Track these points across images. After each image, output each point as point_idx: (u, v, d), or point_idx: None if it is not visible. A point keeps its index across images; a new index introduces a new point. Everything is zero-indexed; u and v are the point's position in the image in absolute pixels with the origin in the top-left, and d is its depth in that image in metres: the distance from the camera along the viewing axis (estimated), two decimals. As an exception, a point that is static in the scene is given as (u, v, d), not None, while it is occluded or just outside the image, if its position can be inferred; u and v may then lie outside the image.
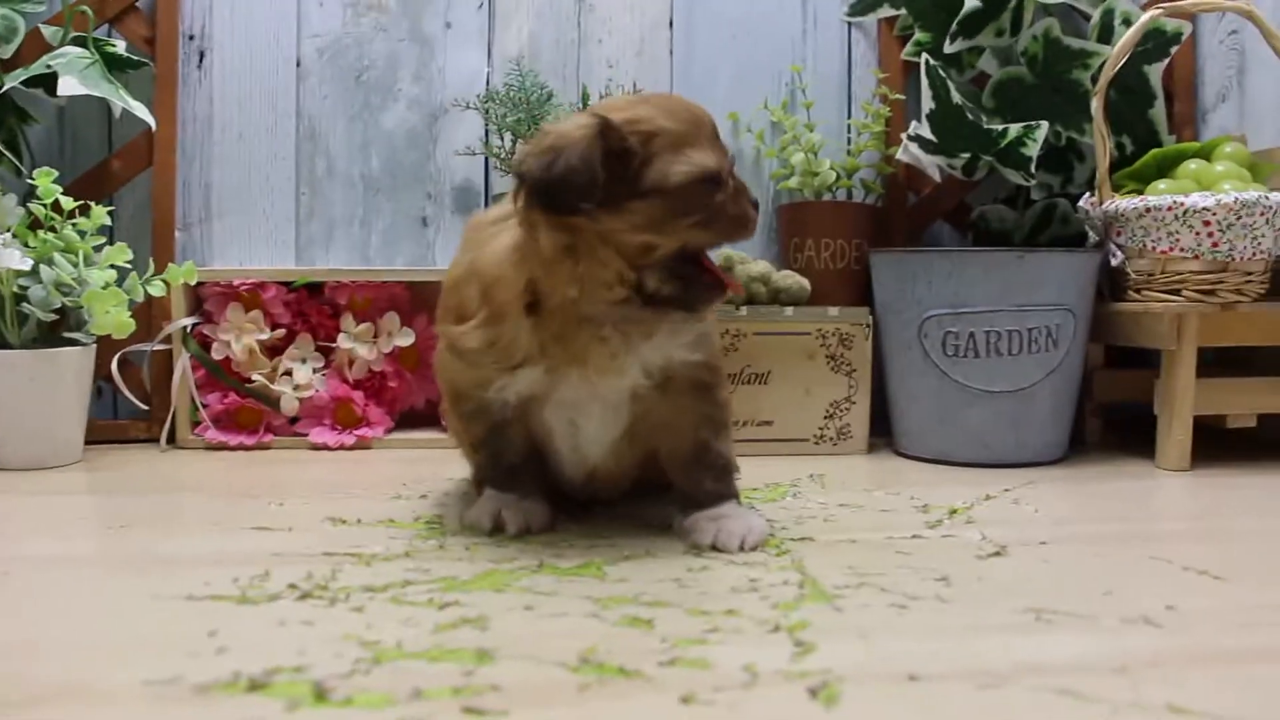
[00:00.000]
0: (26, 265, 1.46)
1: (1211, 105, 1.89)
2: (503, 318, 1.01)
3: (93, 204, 1.56)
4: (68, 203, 1.54)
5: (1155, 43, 1.74)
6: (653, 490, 1.17)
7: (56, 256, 1.50)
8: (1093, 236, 1.65)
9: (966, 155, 1.69)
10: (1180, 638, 0.80)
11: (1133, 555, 1.05)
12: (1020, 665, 0.73)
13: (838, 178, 1.79)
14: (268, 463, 1.58)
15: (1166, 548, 1.08)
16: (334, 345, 1.73)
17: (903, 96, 1.86)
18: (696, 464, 1.09)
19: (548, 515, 1.12)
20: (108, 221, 1.57)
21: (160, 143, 1.75)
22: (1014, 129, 1.62)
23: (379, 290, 1.76)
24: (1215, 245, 1.47)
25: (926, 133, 1.69)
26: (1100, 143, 1.59)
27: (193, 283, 1.63)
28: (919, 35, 1.83)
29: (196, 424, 1.70)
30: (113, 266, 1.54)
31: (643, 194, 0.96)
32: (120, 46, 1.69)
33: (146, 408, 1.72)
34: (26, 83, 1.62)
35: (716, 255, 1.59)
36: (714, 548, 1.04)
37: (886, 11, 1.87)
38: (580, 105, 1.67)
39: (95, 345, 1.57)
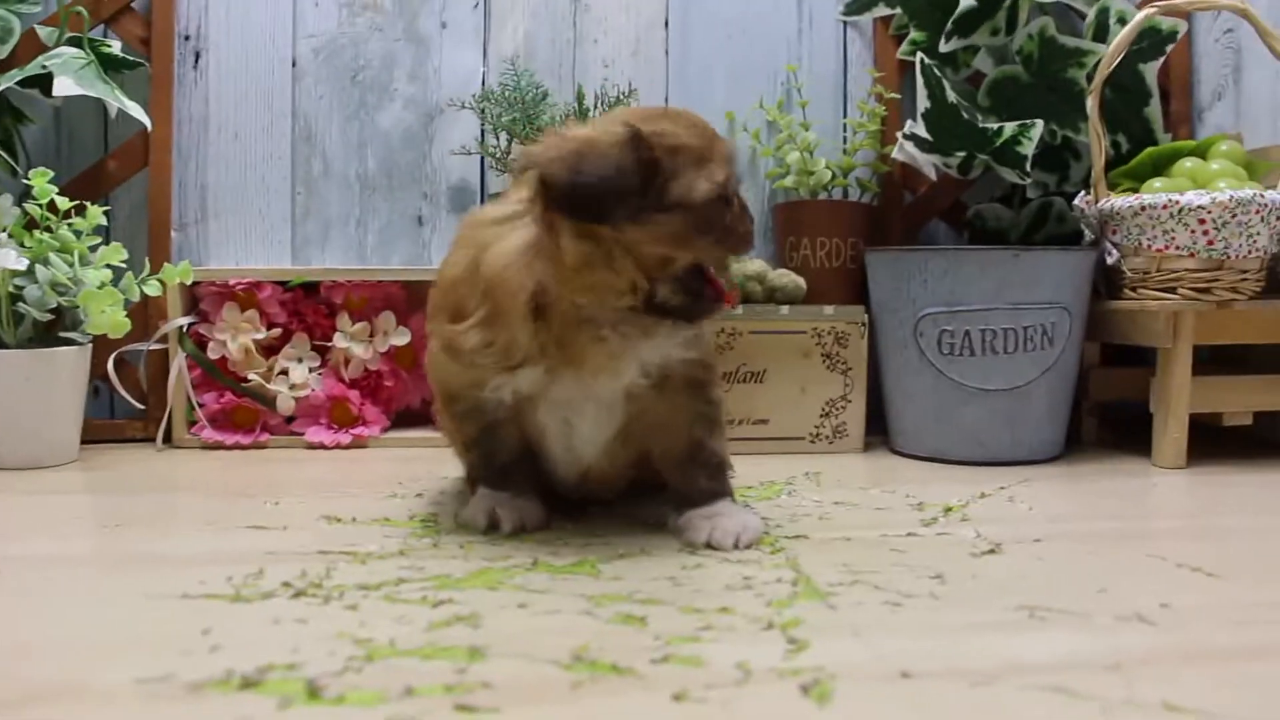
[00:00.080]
0: (22, 265, 1.46)
1: (1207, 103, 1.89)
2: (504, 319, 1.00)
3: (88, 204, 1.56)
4: (63, 203, 1.54)
5: (1150, 41, 1.74)
6: (646, 490, 1.17)
7: (52, 256, 1.50)
8: (1088, 235, 1.65)
9: (962, 154, 1.69)
10: (1174, 635, 0.80)
11: (1128, 553, 1.05)
12: (1013, 663, 0.73)
13: (833, 177, 1.79)
14: (264, 462, 1.58)
15: (1161, 545, 1.08)
16: (330, 344, 1.74)
17: (898, 95, 1.86)
18: (691, 462, 1.09)
19: (542, 513, 1.12)
20: (104, 221, 1.57)
21: (156, 143, 1.75)
22: (1009, 127, 1.62)
23: (375, 289, 1.76)
24: (1211, 243, 1.47)
25: (922, 131, 1.69)
26: (1096, 141, 1.59)
27: (188, 282, 1.63)
28: (914, 34, 1.83)
29: (192, 423, 1.70)
30: (108, 266, 1.54)
31: (666, 207, 0.96)
32: (116, 47, 1.69)
33: (143, 407, 1.72)
34: (22, 83, 1.62)
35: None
36: (709, 545, 1.04)
37: (882, 11, 1.87)
38: (575, 105, 1.67)
39: (91, 345, 1.57)
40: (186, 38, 1.80)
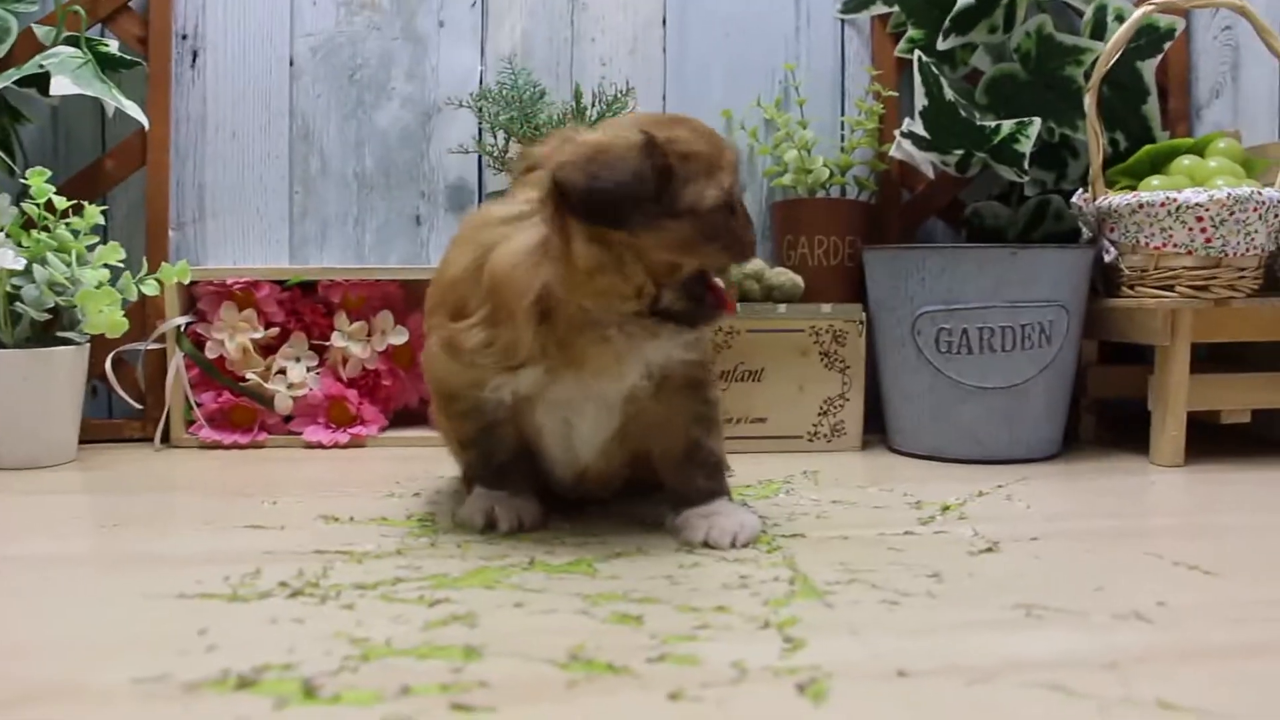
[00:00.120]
0: (20, 265, 1.46)
1: (1205, 101, 1.89)
2: (507, 319, 1.00)
3: (86, 203, 1.56)
4: (61, 202, 1.54)
5: (1148, 39, 1.74)
6: (642, 489, 1.17)
7: (50, 256, 1.50)
8: (1086, 233, 1.65)
9: (960, 152, 1.69)
10: (1171, 633, 0.80)
11: (1125, 551, 1.05)
12: (1010, 661, 0.73)
13: (831, 175, 1.79)
14: (262, 461, 1.58)
15: (1159, 543, 1.08)
16: (328, 344, 1.74)
17: (896, 93, 1.86)
18: (689, 462, 1.09)
19: (540, 512, 1.12)
20: (101, 221, 1.57)
21: (153, 142, 1.75)
22: (1007, 125, 1.62)
23: (373, 289, 1.76)
24: (1208, 241, 1.47)
25: (920, 129, 1.69)
26: (1093, 139, 1.59)
27: (186, 282, 1.63)
28: (912, 32, 1.83)
29: (191, 423, 1.70)
30: (106, 266, 1.54)
31: (677, 214, 0.97)
32: (113, 46, 1.69)
33: (141, 407, 1.72)
34: (19, 82, 1.62)
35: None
36: (706, 544, 1.04)
37: (879, 9, 1.87)
38: (573, 103, 1.67)
39: (89, 344, 1.57)
40: (184, 37, 1.80)
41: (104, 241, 1.58)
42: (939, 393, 1.55)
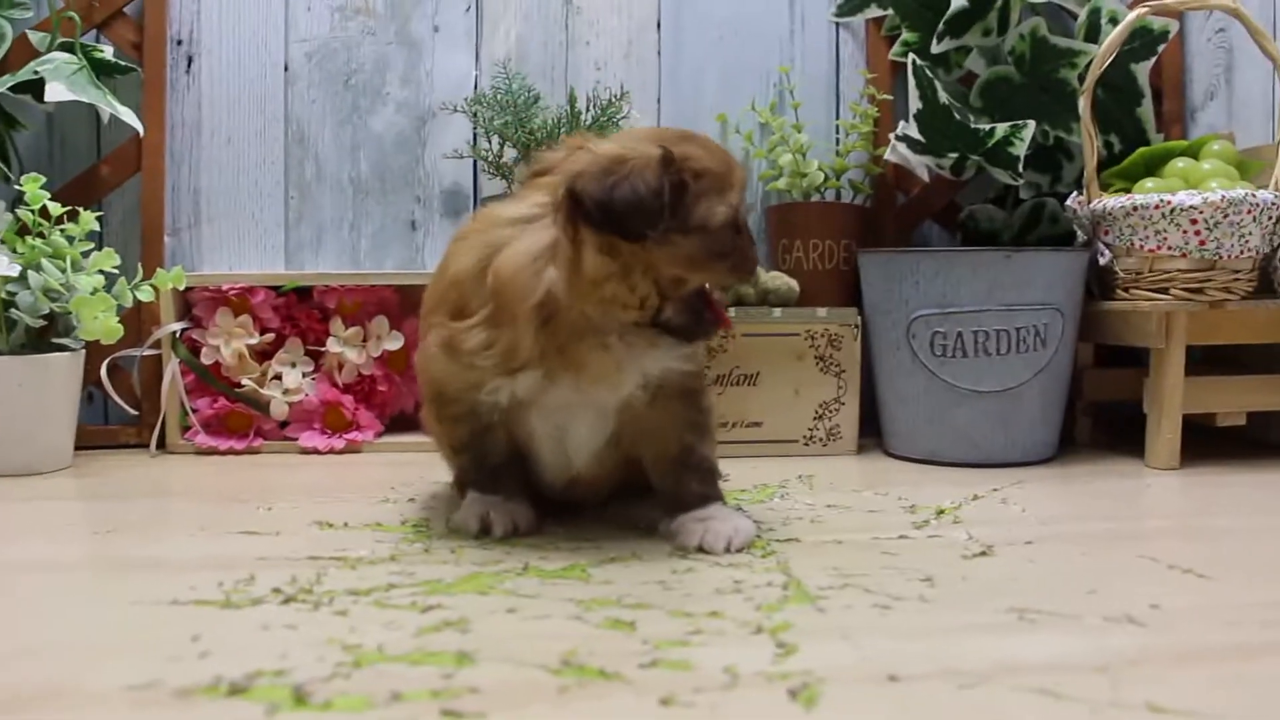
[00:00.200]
0: (14, 271, 1.46)
1: (1200, 103, 1.89)
2: (510, 321, 1.00)
3: (81, 209, 1.56)
4: (56, 208, 1.54)
5: (1142, 41, 1.74)
6: (634, 493, 1.17)
7: (44, 262, 1.50)
8: (1081, 235, 1.65)
9: (954, 155, 1.69)
10: (1163, 637, 0.80)
11: (1119, 554, 1.05)
12: (1001, 665, 0.73)
13: (826, 178, 1.79)
14: (257, 467, 1.58)
15: (1153, 546, 1.08)
16: (323, 349, 1.73)
17: (890, 97, 1.86)
18: (682, 467, 1.09)
19: (534, 517, 1.12)
20: (96, 227, 1.58)
21: (149, 148, 1.75)
22: (1001, 128, 1.62)
23: (368, 294, 1.76)
24: (1203, 243, 1.48)
25: (914, 133, 1.69)
26: (1088, 142, 1.59)
27: (181, 288, 1.63)
28: (906, 35, 1.83)
29: (186, 429, 1.70)
30: (101, 272, 1.54)
31: (687, 230, 0.98)
32: (108, 52, 1.69)
33: (136, 413, 1.72)
34: (14, 88, 1.62)
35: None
36: (700, 549, 1.04)
37: (874, 12, 1.87)
38: (568, 108, 1.67)
39: (84, 351, 1.57)
40: (179, 42, 1.80)
41: (99, 247, 1.58)
42: (934, 396, 1.55)
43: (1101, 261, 1.58)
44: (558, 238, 0.98)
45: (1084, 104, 1.59)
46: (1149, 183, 1.58)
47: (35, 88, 1.62)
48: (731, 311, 1.58)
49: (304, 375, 1.72)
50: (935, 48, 1.75)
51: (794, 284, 1.67)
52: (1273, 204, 1.47)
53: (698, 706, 0.66)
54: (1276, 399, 1.55)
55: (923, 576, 0.96)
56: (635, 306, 1.00)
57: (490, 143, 1.72)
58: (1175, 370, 1.49)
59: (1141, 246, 1.51)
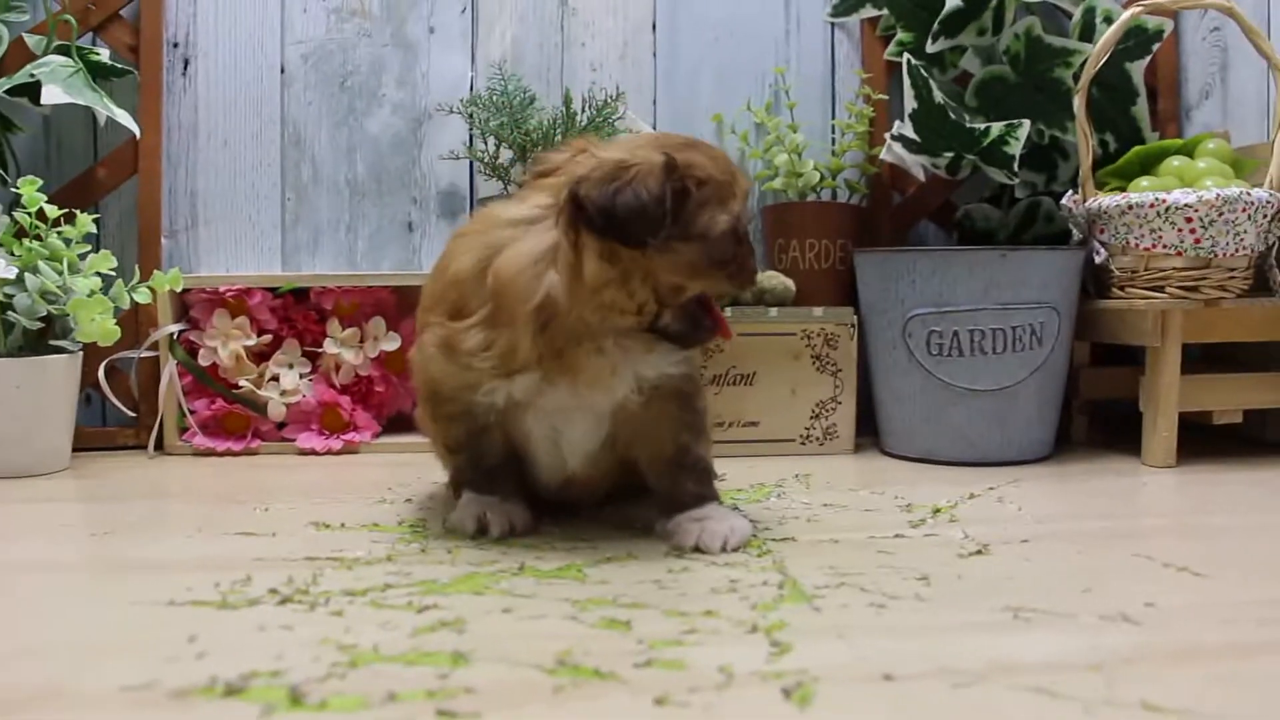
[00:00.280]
0: (12, 274, 1.46)
1: (1195, 102, 1.89)
2: (508, 322, 1.00)
3: (78, 212, 1.56)
4: (53, 210, 1.54)
5: (1137, 40, 1.75)
6: (629, 494, 1.17)
7: (41, 265, 1.50)
8: (1076, 234, 1.66)
9: (950, 154, 1.69)
10: (1158, 635, 0.80)
11: (1115, 553, 1.05)
12: (996, 664, 0.73)
13: (822, 178, 1.79)
14: (255, 468, 1.58)
15: (1149, 545, 1.08)
16: (320, 350, 1.74)
17: (886, 96, 1.86)
18: (679, 467, 1.09)
19: (530, 517, 1.12)
20: (93, 229, 1.58)
21: (145, 150, 1.75)
22: (996, 128, 1.63)
23: (365, 295, 1.76)
24: (1198, 242, 1.48)
25: (910, 132, 1.70)
26: (1083, 141, 1.59)
27: (179, 289, 1.63)
28: (901, 35, 1.83)
29: (184, 430, 1.70)
30: (98, 274, 1.54)
31: (689, 238, 0.98)
32: (104, 55, 1.70)
33: (134, 414, 1.72)
34: (10, 91, 1.62)
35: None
36: (697, 549, 1.04)
37: (869, 12, 1.87)
38: (564, 109, 1.67)
39: (82, 353, 1.57)
40: (175, 45, 1.81)
41: (96, 250, 1.58)
42: (930, 395, 1.55)
43: (1097, 260, 1.58)
44: (559, 241, 0.98)
45: (1079, 103, 1.59)
46: (1144, 181, 1.58)
47: (32, 90, 1.62)
48: (728, 312, 1.59)
49: (301, 376, 1.72)
50: (930, 47, 1.76)
51: (790, 284, 1.67)
52: (1267, 202, 1.47)
53: (692, 706, 0.66)
54: (1272, 397, 1.55)
55: (918, 575, 0.96)
56: (633, 313, 1.00)
57: (486, 144, 1.72)
58: (1171, 368, 1.49)
59: (1137, 245, 1.52)
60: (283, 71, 1.83)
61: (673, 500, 1.09)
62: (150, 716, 0.65)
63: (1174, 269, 1.51)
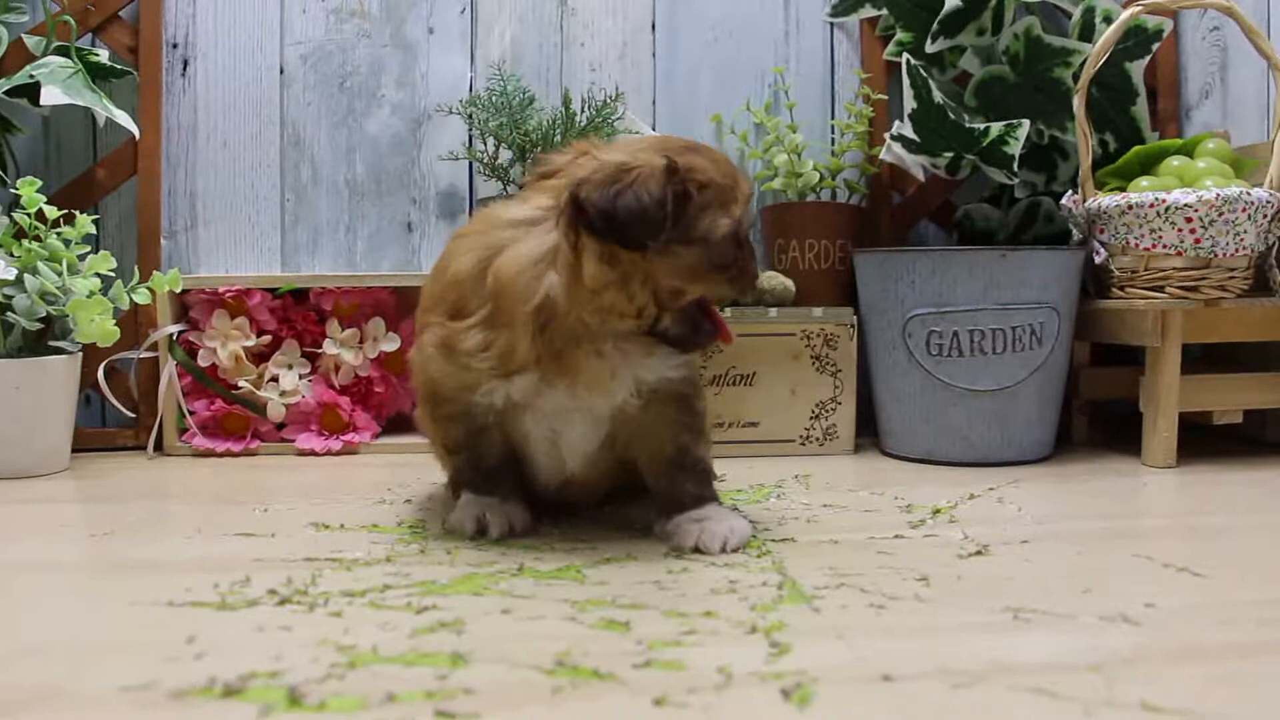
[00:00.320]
0: (11, 275, 1.46)
1: (1195, 102, 1.89)
2: (507, 323, 1.00)
3: (77, 213, 1.56)
4: (52, 211, 1.54)
5: (1136, 40, 1.74)
6: (627, 494, 1.17)
7: (41, 265, 1.50)
8: (1076, 234, 1.65)
9: (949, 154, 1.69)
10: (1158, 635, 0.80)
11: (1115, 553, 1.05)
12: (995, 664, 0.73)
13: (821, 178, 1.79)
14: (254, 469, 1.58)
15: (1149, 545, 1.08)
16: (320, 351, 1.74)
17: (885, 96, 1.86)
18: (678, 468, 1.09)
19: (529, 518, 1.12)
20: (93, 230, 1.58)
21: (145, 151, 1.75)
22: (996, 128, 1.63)
23: (364, 295, 1.76)
24: (1198, 242, 1.48)
25: (909, 132, 1.70)
26: (1083, 140, 1.59)
27: (178, 290, 1.63)
28: (900, 35, 1.83)
29: (183, 431, 1.70)
30: (97, 275, 1.54)
31: (689, 241, 0.98)
32: (104, 55, 1.70)
33: (134, 415, 1.72)
34: (10, 92, 1.62)
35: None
36: (696, 550, 1.04)
37: (868, 12, 1.87)
38: (563, 109, 1.67)
39: (81, 353, 1.57)
40: (174, 46, 1.80)
41: (95, 250, 1.58)
42: (930, 396, 1.55)
43: (1097, 260, 1.58)
44: (559, 243, 0.98)
45: (1079, 103, 1.59)
46: (1144, 181, 1.58)
47: (31, 91, 1.62)
48: (727, 313, 1.58)
49: (301, 377, 1.72)
50: (930, 47, 1.76)
51: (790, 284, 1.67)
52: (1267, 202, 1.47)
53: (691, 707, 0.66)
54: (1272, 397, 1.55)
55: (918, 576, 0.96)
56: (632, 316, 1.00)
57: (485, 144, 1.72)
58: (1171, 369, 1.49)
59: (1137, 245, 1.52)
60: (282, 72, 1.83)
61: (672, 501, 1.09)
62: (149, 717, 0.65)
63: (1174, 269, 1.51)
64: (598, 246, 0.96)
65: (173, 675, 0.71)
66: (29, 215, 1.53)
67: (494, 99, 1.70)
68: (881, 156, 1.76)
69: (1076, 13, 1.76)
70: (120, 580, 0.98)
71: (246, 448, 1.69)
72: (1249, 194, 1.46)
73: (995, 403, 1.53)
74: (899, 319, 1.55)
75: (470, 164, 1.84)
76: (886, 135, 1.74)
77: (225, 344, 1.69)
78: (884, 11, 1.86)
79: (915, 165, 1.76)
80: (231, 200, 1.83)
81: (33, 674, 0.72)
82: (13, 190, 1.57)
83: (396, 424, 1.80)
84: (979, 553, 1.04)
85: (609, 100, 1.69)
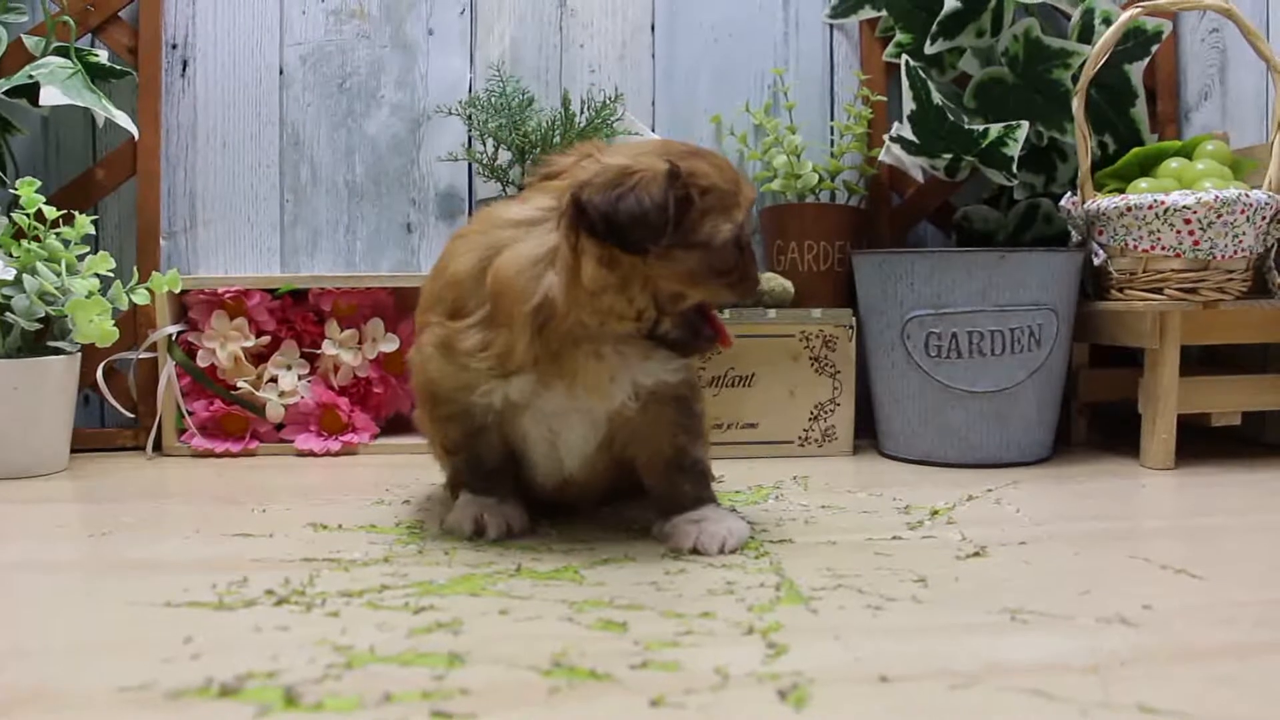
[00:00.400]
0: (10, 275, 1.46)
1: (1194, 104, 1.89)
2: (506, 323, 1.00)
3: (76, 213, 1.57)
4: (51, 212, 1.54)
5: (1136, 41, 1.75)
6: (626, 495, 1.17)
7: (40, 266, 1.50)
8: (1075, 236, 1.65)
9: (949, 156, 1.69)
10: (1155, 637, 0.80)
11: (1113, 555, 1.05)
12: (992, 666, 0.73)
13: (820, 180, 1.79)
14: (253, 469, 1.58)
15: (1147, 547, 1.08)
16: (319, 352, 1.74)
17: (885, 98, 1.86)
18: (676, 469, 1.09)
19: (527, 518, 1.12)
20: (92, 230, 1.58)
21: (144, 151, 1.75)
22: (995, 129, 1.63)
23: (363, 296, 1.76)
24: (1196, 243, 1.48)
25: (908, 134, 1.70)
26: (1082, 142, 1.59)
27: (177, 290, 1.63)
28: (900, 36, 1.84)
29: (182, 431, 1.70)
30: (96, 275, 1.54)
31: (690, 245, 0.98)
32: (103, 56, 1.70)
33: (132, 416, 1.72)
34: (9, 92, 1.62)
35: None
36: (695, 551, 1.04)
37: (868, 13, 1.87)
38: (562, 110, 1.67)
39: (80, 354, 1.57)
40: (174, 46, 1.81)
41: (95, 251, 1.59)
42: (929, 397, 1.55)
43: (1096, 262, 1.58)
44: (559, 244, 0.98)
45: (1078, 104, 1.59)
46: (1143, 183, 1.58)
47: (30, 92, 1.62)
48: (726, 314, 1.58)
49: (299, 378, 1.72)
50: (929, 49, 1.76)
51: (789, 285, 1.67)
52: (1266, 204, 1.47)
53: (687, 708, 0.66)
54: (1271, 399, 1.55)
55: (916, 577, 0.96)
56: (632, 318, 1.00)
57: (485, 145, 1.72)
58: (1170, 370, 1.49)
59: (1136, 247, 1.52)
60: (281, 73, 1.83)
61: (670, 502, 1.09)
62: (146, 717, 0.65)
63: (1172, 271, 1.51)
64: (598, 249, 0.96)
65: (170, 675, 0.71)
66: (28, 215, 1.53)
67: (493, 100, 1.70)
68: (880, 158, 1.76)
69: (1076, 14, 1.76)
70: (118, 580, 0.98)
71: (245, 448, 1.69)
72: (1248, 196, 1.46)
73: (994, 404, 1.53)
74: (898, 320, 1.56)
75: (469, 165, 1.84)
76: (885, 137, 1.74)
77: (224, 344, 1.69)
78: (883, 13, 1.86)
79: (914, 167, 1.76)
80: (231, 201, 1.83)
81: (30, 674, 0.72)
82: (12, 190, 1.57)
83: (395, 425, 1.80)
84: (977, 554, 1.04)
85: (608, 101, 1.69)
